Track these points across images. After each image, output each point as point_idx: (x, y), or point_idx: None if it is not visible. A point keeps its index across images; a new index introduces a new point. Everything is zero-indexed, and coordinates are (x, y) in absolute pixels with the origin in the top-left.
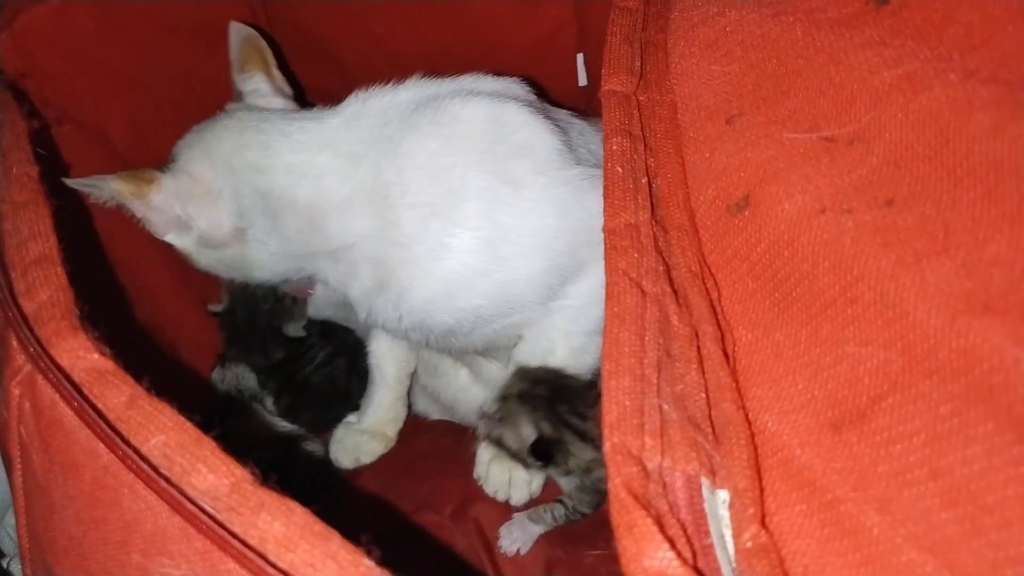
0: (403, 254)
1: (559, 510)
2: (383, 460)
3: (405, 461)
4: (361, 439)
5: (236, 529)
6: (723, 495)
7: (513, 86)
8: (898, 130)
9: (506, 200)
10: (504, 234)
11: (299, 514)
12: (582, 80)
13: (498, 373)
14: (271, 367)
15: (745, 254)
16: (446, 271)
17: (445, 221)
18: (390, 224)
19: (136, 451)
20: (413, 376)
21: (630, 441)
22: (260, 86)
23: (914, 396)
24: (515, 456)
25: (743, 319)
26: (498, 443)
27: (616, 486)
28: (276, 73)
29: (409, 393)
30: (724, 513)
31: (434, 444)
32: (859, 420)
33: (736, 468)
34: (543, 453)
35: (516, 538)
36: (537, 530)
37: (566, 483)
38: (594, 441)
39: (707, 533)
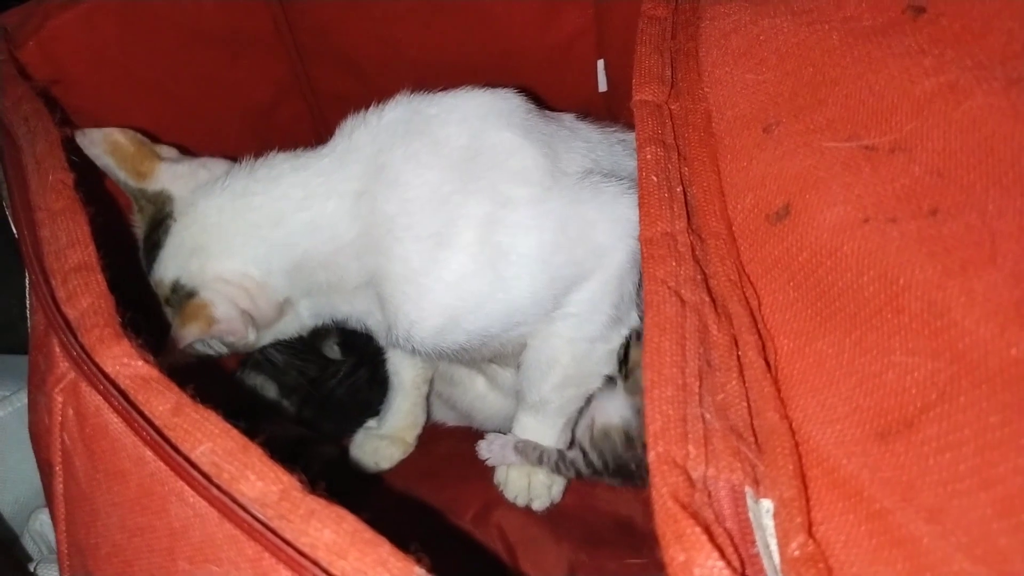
0: (408, 288)
1: (552, 456)
2: (403, 466)
3: (425, 467)
4: (380, 444)
5: (288, 536)
6: (767, 504)
7: (508, 97)
8: (941, 139)
9: (505, 222)
10: (505, 255)
11: (349, 521)
12: (602, 86)
13: (513, 379)
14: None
15: (786, 263)
16: (453, 299)
17: (448, 250)
18: (396, 258)
19: (186, 458)
20: (431, 384)
21: (675, 450)
22: (174, 170)
23: (963, 406)
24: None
25: (784, 328)
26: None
27: (663, 495)
28: (165, 150)
29: (427, 401)
30: (768, 522)
31: (454, 450)
32: (907, 430)
33: (782, 477)
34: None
35: (494, 451)
36: (514, 459)
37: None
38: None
39: (753, 542)
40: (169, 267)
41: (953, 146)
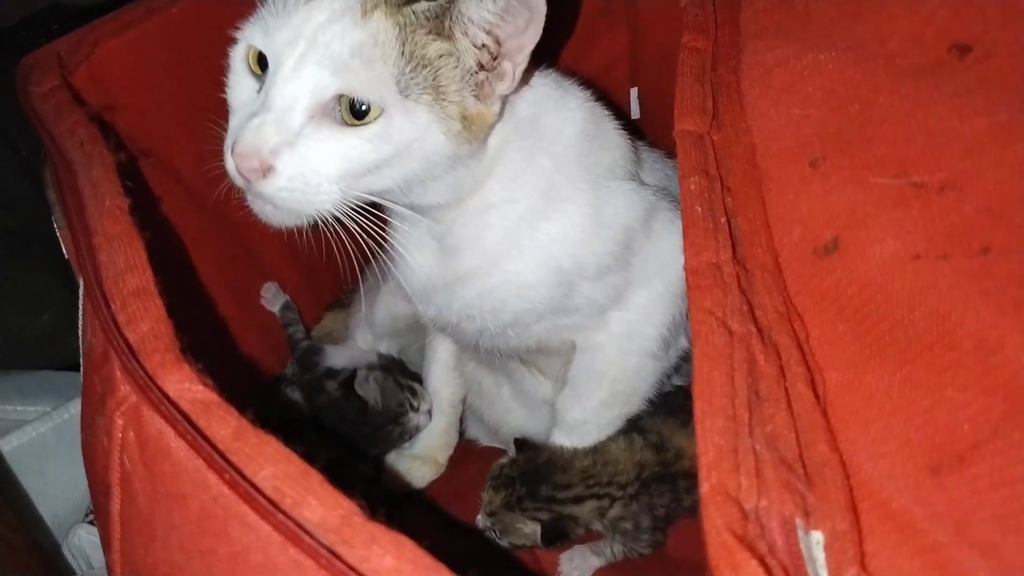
0: (527, 231)
1: (619, 547)
2: (434, 486)
3: (456, 487)
4: (412, 464)
5: (350, 561)
6: (817, 536)
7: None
8: (992, 179)
9: (608, 195)
10: (600, 222)
11: (409, 548)
12: (635, 113)
13: (538, 389)
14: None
15: (834, 296)
16: (552, 255)
17: (554, 212)
18: (511, 198)
19: (249, 482)
20: (465, 403)
21: (728, 482)
22: None
23: (1017, 442)
24: (536, 547)
25: (833, 361)
26: (514, 548)
27: (718, 527)
28: None
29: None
30: (819, 555)
31: (484, 471)
32: (959, 465)
33: (834, 510)
34: (556, 535)
35: (576, 566)
36: (597, 563)
37: (612, 544)
38: (591, 492)
39: (805, 574)
40: None
41: (1005, 187)
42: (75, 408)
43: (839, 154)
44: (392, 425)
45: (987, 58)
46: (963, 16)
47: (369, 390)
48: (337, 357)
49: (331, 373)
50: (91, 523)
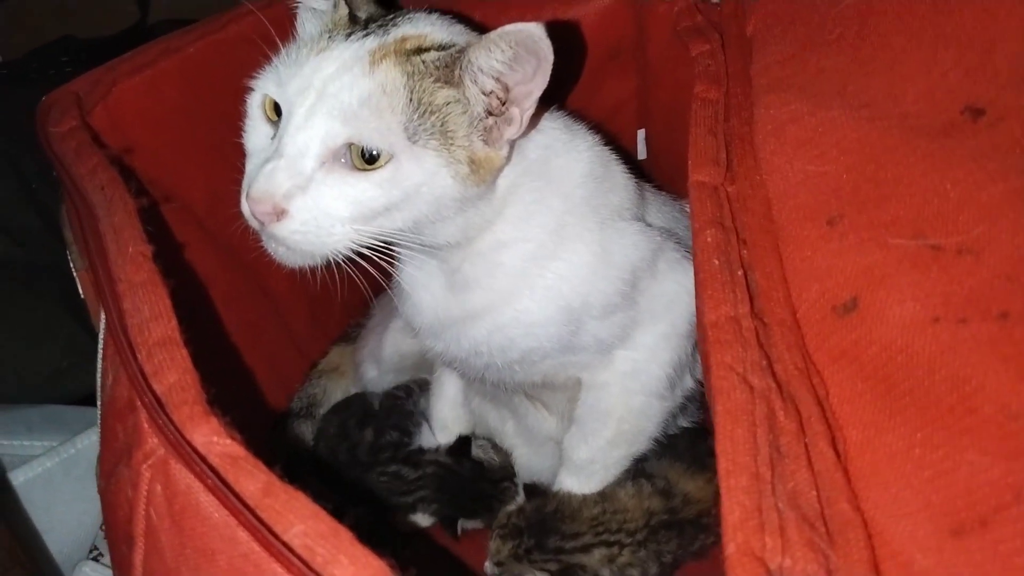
0: (536, 270)
1: None
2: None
3: None
4: None
5: None
6: None
7: None
8: (1009, 245)
9: (611, 234)
10: (606, 260)
11: None
12: (642, 154)
13: (542, 424)
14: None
15: (854, 355)
16: (561, 294)
17: (562, 252)
18: (520, 238)
19: (280, 540)
20: None
21: (753, 542)
22: None
23: None
24: None
25: (852, 419)
26: None
27: None
28: None
29: None
30: None
31: None
32: (981, 528)
33: (857, 569)
34: None
35: None
36: None
37: None
38: (600, 540)
39: None
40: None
41: (1022, 252)
42: (82, 443)
43: (856, 213)
44: (508, 482)
45: (1000, 122)
46: (975, 78)
47: (482, 452)
48: (427, 438)
49: (422, 451)
50: (95, 560)
